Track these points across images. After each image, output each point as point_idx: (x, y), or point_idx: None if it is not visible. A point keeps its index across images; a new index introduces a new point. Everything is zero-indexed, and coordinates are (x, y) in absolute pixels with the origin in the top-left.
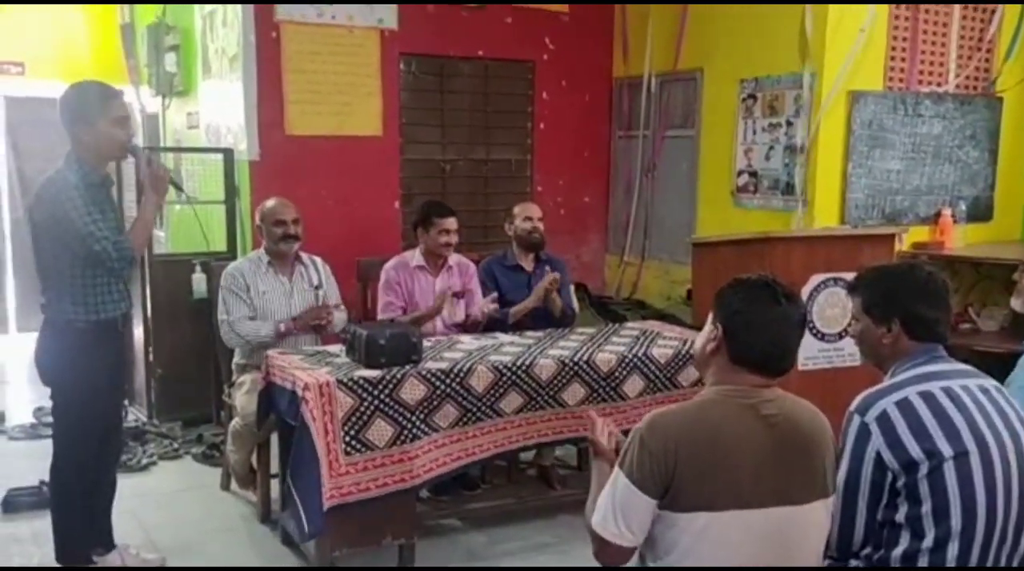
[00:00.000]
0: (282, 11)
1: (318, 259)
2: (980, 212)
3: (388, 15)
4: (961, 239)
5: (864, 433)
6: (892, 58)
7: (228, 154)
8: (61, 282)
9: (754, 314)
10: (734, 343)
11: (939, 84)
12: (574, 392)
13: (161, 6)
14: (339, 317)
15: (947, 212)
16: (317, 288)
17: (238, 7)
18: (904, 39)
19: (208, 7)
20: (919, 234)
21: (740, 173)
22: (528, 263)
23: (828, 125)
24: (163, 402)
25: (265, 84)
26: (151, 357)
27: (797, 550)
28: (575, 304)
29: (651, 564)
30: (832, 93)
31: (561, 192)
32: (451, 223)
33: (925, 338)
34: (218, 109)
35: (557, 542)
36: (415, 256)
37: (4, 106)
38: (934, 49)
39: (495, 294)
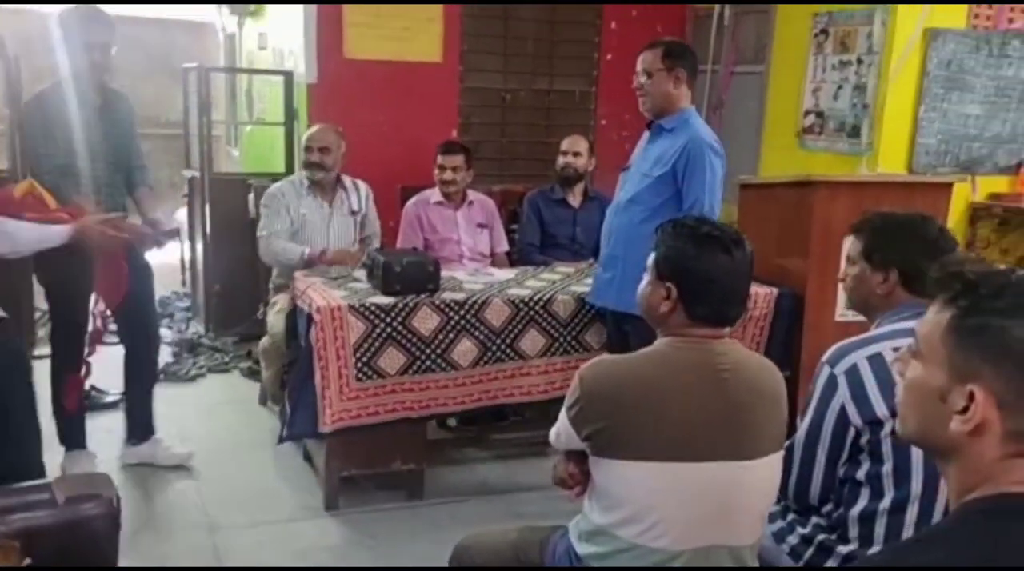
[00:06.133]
0: None
1: (362, 185)
2: None
3: None
4: None
5: (831, 385)
6: None
7: (288, 76)
8: None
9: (708, 270)
10: (690, 302)
11: None
12: (598, 333)
13: None
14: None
15: None
16: (355, 213)
17: None
18: None
19: None
20: (997, 184)
21: (807, 113)
22: (575, 198)
23: (901, 65)
24: (219, 317)
25: (325, 7)
26: (209, 274)
27: (739, 505)
28: None
29: (595, 509)
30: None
31: (627, 126)
32: (451, 160)
33: (920, 293)
34: (282, 31)
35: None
36: (435, 193)
37: None
38: None
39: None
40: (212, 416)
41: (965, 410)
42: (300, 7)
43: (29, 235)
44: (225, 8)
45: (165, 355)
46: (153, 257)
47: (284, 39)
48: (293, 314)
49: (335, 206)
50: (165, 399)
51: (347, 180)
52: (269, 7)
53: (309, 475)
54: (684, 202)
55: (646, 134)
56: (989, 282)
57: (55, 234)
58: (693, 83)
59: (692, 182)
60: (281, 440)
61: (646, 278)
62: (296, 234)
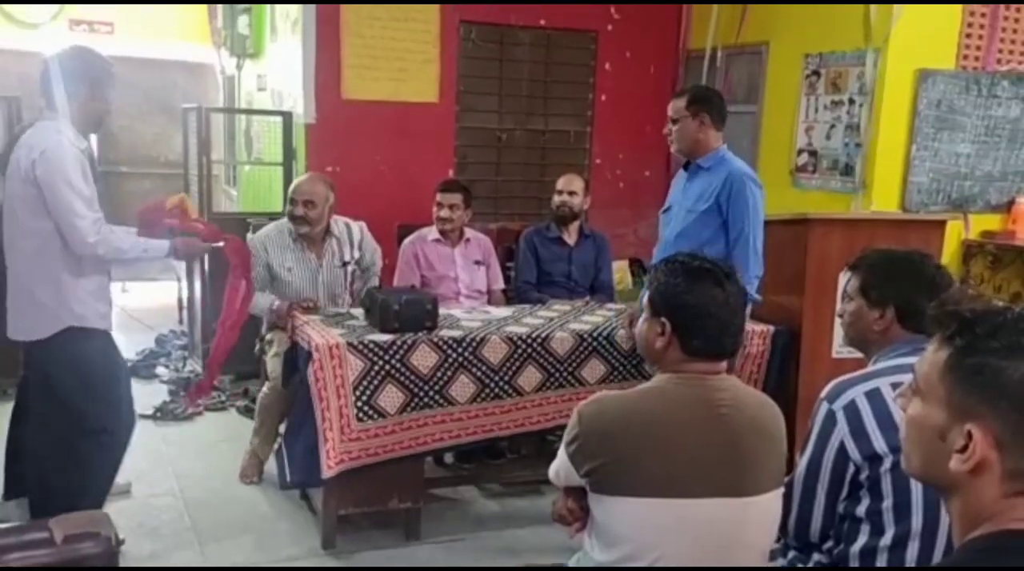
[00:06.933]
0: None
1: (355, 226)
2: None
3: None
4: None
5: (830, 421)
6: (968, 35)
7: (287, 117)
8: None
9: (701, 304)
10: (684, 336)
11: (1021, 63)
12: (593, 369)
13: None
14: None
15: (1022, 200)
16: (346, 264)
17: None
18: (983, 15)
19: None
20: (989, 222)
21: (800, 152)
22: (570, 236)
23: (892, 105)
24: None
25: (323, 48)
26: (207, 313)
27: (740, 541)
28: (614, 281)
29: (596, 546)
30: (884, 69)
31: (620, 165)
32: (449, 198)
33: (916, 330)
34: (281, 72)
35: None
36: (432, 231)
37: None
38: (1018, 27)
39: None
40: (209, 454)
41: (964, 449)
42: (299, 50)
43: (134, 246)
44: (224, 50)
45: (162, 393)
46: (152, 297)
47: (283, 80)
48: (291, 352)
49: (324, 258)
50: (162, 438)
51: (337, 227)
52: (268, 50)
53: (306, 513)
54: (731, 232)
55: (683, 174)
56: (986, 321)
57: (156, 248)
58: (722, 124)
59: (737, 213)
60: (283, 487)
61: (642, 316)
62: (282, 287)
